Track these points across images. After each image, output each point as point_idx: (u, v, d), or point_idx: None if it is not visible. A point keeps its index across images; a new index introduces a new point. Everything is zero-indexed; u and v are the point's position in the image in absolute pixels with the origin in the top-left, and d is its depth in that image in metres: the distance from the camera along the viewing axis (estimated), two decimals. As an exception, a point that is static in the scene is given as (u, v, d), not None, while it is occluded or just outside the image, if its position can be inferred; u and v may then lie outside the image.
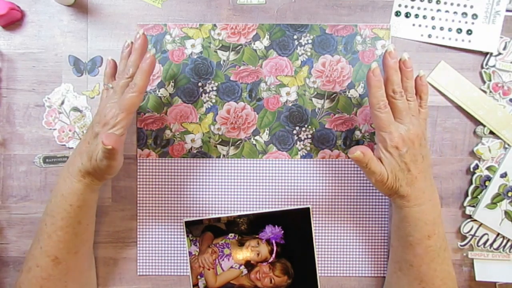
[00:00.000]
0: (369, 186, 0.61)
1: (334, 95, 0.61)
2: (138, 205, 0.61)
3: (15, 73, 0.61)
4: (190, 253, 0.60)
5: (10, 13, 0.58)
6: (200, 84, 0.61)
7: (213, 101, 0.61)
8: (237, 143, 0.61)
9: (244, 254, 0.60)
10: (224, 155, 0.61)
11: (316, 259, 0.61)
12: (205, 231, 0.61)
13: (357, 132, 0.61)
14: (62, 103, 0.61)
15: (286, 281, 0.60)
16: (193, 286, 0.60)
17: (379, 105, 0.50)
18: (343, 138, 0.61)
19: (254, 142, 0.61)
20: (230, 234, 0.61)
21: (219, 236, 0.61)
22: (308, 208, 0.61)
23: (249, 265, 0.60)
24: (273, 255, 0.60)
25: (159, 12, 0.61)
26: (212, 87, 0.61)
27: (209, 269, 0.60)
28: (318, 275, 0.61)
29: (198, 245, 0.60)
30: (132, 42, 0.54)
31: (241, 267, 0.60)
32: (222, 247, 0.60)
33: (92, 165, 0.50)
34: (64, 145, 0.61)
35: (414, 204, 0.51)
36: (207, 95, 0.61)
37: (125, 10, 0.61)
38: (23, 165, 0.61)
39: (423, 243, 0.51)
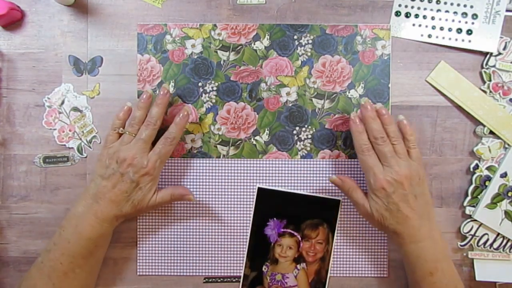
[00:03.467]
0: (369, 186, 0.61)
1: (334, 95, 0.61)
2: (138, 205, 0.61)
3: (15, 73, 0.61)
4: None
5: (10, 13, 0.58)
6: (200, 84, 0.61)
7: (213, 101, 0.61)
8: (237, 143, 0.61)
9: (284, 264, 0.60)
10: (224, 155, 0.61)
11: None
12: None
13: (357, 132, 0.61)
14: (62, 103, 0.61)
15: (325, 247, 0.60)
16: None
17: (362, 149, 0.54)
18: (343, 138, 0.61)
19: (254, 142, 0.61)
20: (263, 268, 0.60)
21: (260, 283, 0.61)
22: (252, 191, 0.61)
23: (299, 259, 0.60)
24: (298, 237, 0.60)
25: (159, 12, 0.61)
26: (212, 87, 0.61)
27: None
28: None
29: None
30: (150, 94, 0.57)
31: (298, 268, 0.60)
32: (272, 281, 0.60)
33: (137, 209, 0.55)
34: (64, 145, 0.61)
35: (410, 242, 0.52)
36: (207, 95, 0.61)
37: (125, 10, 0.61)
38: (23, 165, 0.61)
39: (425, 279, 0.52)
